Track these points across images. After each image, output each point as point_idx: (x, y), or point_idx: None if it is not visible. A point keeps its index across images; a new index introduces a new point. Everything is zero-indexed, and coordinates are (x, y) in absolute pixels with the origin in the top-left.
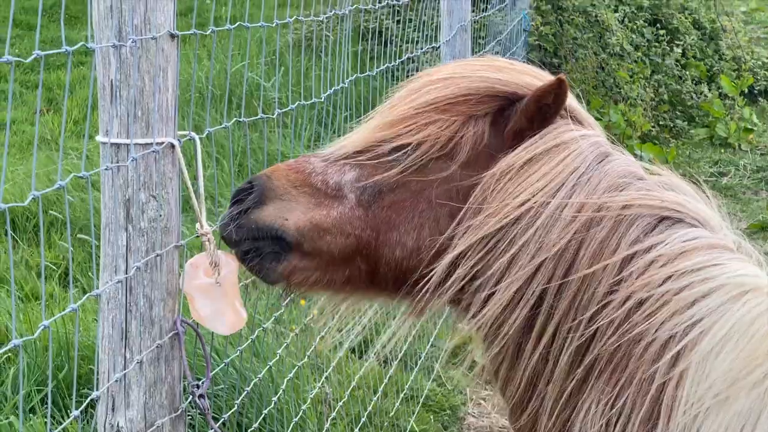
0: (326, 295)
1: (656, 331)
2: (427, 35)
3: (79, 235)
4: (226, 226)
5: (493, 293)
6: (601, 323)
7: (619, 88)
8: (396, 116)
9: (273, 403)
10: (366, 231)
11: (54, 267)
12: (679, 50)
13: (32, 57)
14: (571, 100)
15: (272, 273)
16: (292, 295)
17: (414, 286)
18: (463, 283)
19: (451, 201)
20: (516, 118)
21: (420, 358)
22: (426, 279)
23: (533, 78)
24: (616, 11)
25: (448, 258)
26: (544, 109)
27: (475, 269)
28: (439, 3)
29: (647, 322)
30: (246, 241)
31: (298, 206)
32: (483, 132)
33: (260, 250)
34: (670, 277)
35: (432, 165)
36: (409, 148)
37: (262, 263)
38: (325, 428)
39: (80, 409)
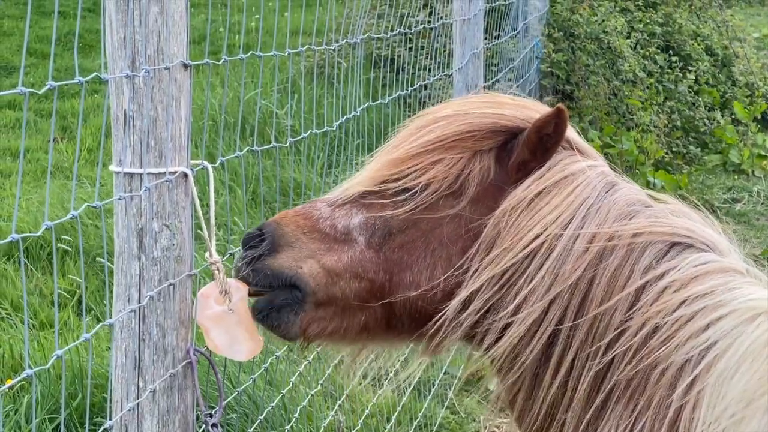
0: (343, 345)
1: (672, 355)
2: (439, 62)
3: (97, 259)
4: (241, 269)
5: (509, 325)
6: (618, 351)
7: (632, 115)
8: (401, 155)
9: (286, 431)
10: (379, 273)
11: (68, 295)
12: (692, 77)
13: (46, 88)
14: (571, 133)
15: (292, 327)
16: (309, 348)
17: (429, 323)
18: (477, 316)
19: (462, 237)
20: (518, 151)
21: (433, 385)
22: (441, 315)
23: (535, 111)
24: (628, 38)
25: (463, 294)
26: (545, 139)
27: (490, 303)
28: (451, 30)
29: (663, 348)
30: (262, 288)
31: (309, 253)
32: (489, 167)
33: (276, 305)
34: (684, 302)
35: (441, 203)
36: (418, 188)
37: (280, 318)
38: None
39: None
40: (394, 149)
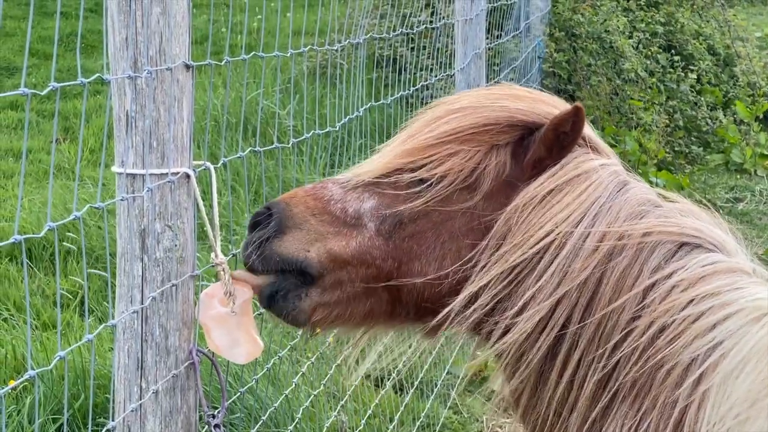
0: (347, 329)
1: (678, 355)
2: (441, 62)
3: (91, 270)
4: (249, 256)
5: (516, 322)
6: (625, 350)
7: (633, 114)
8: (417, 145)
9: (289, 431)
10: (387, 261)
11: (70, 296)
12: (694, 76)
13: (48, 89)
14: (587, 129)
15: (300, 314)
16: (315, 334)
17: (435, 314)
18: (484, 312)
19: (473, 231)
20: (535, 147)
21: (436, 385)
22: (447, 309)
23: (552, 107)
24: (630, 38)
25: (470, 288)
26: (562, 137)
27: (497, 298)
28: (453, 30)
29: (670, 347)
30: (270, 273)
31: (317, 236)
32: (505, 162)
33: (282, 290)
34: (691, 301)
35: (456, 196)
36: (433, 179)
37: (287, 304)
38: None
39: None
40: (410, 138)
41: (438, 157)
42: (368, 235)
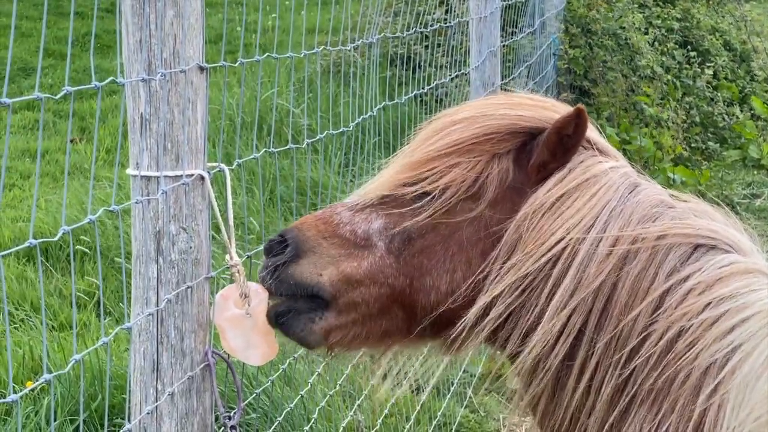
0: (366, 349)
1: (697, 358)
2: (456, 60)
3: (115, 259)
4: (265, 279)
5: (532, 331)
6: (643, 354)
7: (650, 109)
8: (418, 159)
9: (305, 431)
10: (399, 278)
11: (87, 297)
12: (711, 72)
13: (62, 93)
14: (592, 132)
15: (310, 335)
16: (332, 356)
17: (451, 327)
18: (499, 321)
19: (482, 240)
20: (538, 152)
21: (452, 384)
22: (462, 320)
23: (554, 112)
24: (646, 34)
25: (484, 299)
26: (565, 140)
27: (512, 308)
28: (468, 28)
29: (688, 351)
30: (285, 297)
31: (330, 259)
32: (507, 169)
33: (294, 309)
34: (708, 304)
35: (460, 207)
36: (436, 192)
37: (296, 325)
38: None
39: None
40: (412, 153)
41: (439, 170)
42: (379, 255)
